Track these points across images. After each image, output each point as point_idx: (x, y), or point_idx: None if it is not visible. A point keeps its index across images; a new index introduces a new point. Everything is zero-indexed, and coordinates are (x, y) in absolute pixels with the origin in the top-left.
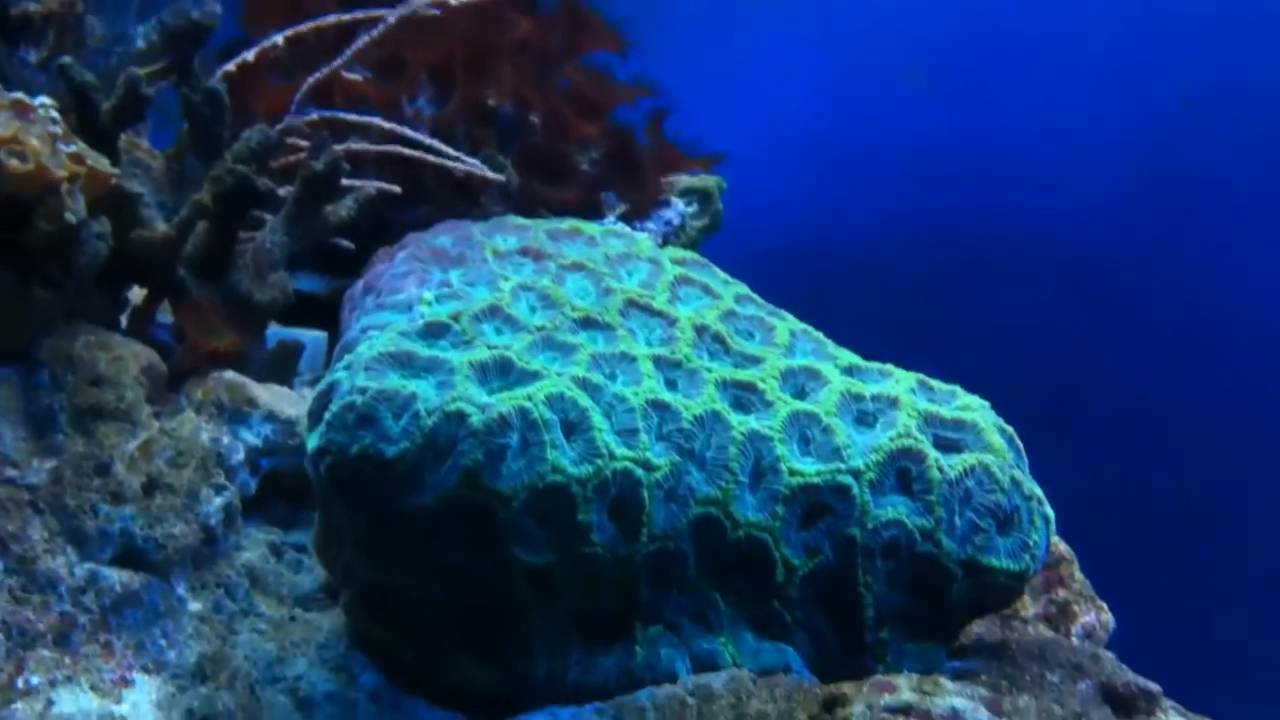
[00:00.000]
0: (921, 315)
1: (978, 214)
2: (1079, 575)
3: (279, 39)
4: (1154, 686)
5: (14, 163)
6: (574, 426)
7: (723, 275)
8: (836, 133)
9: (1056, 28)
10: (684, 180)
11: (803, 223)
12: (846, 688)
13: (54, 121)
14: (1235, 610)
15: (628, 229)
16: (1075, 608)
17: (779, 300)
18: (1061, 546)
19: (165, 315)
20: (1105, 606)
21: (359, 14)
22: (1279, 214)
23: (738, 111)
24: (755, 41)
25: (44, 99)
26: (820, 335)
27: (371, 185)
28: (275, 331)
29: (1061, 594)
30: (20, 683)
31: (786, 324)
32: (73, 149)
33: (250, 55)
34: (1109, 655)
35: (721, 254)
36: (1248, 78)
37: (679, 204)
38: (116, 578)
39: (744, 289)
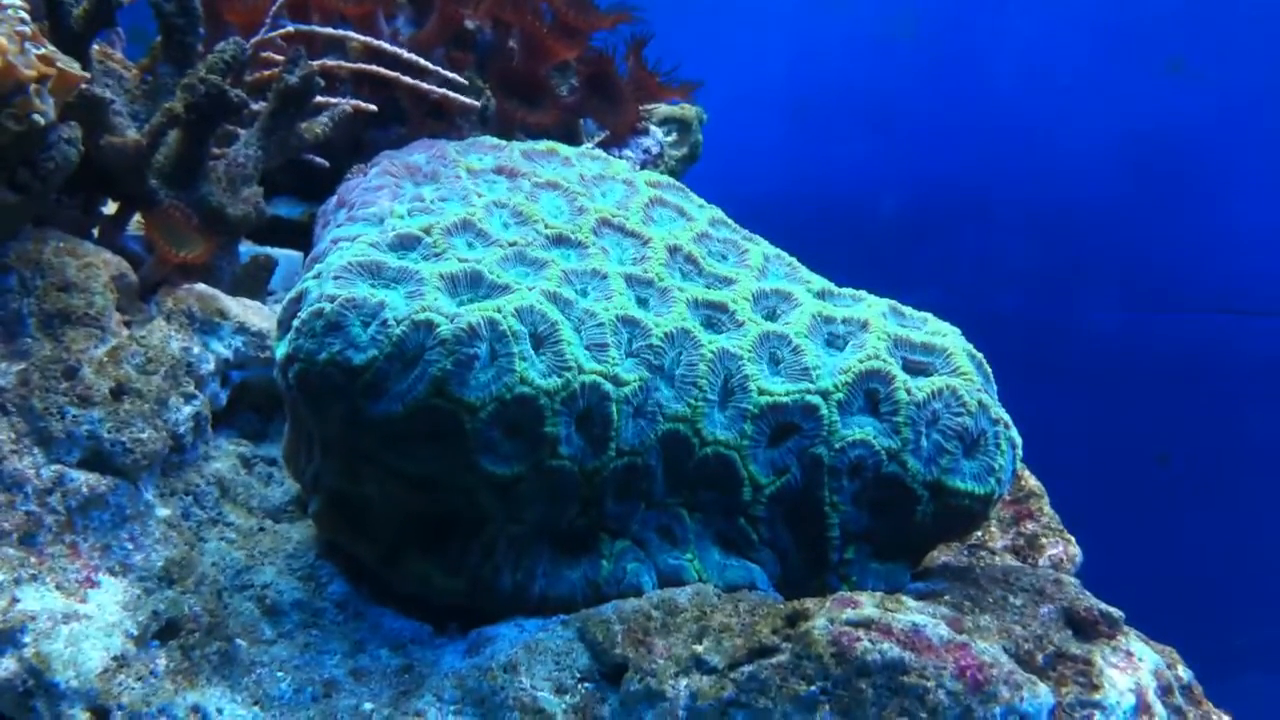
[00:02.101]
0: (898, 258)
1: (957, 162)
2: (1048, 509)
3: None
4: (1116, 611)
5: None
6: (543, 339)
7: (698, 199)
8: (818, 77)
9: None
10: (663, 109)
11: (782, 164)
12: (810, 603)
13: (23, 22)
14: (1202, 546)
15: (604, 152)
16: (1043, 540)
17: (753, 232)
18: (1031, 481)
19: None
20: (1073, 540)
21: None
22: (1256, 170)
23: (719, 46)
24: None
25: (14, 0)
26: (793, 260)
27: (347, 103)
28: (249, 249)
29: (1030, 527)
30: None
31: (760, 248)
32: (42, 50)
33: None
34: (1072, 581)
35: (699, 186)
36: (1234, 38)
37: (658, 133)
38: (83, 479)
39: (719, 213)
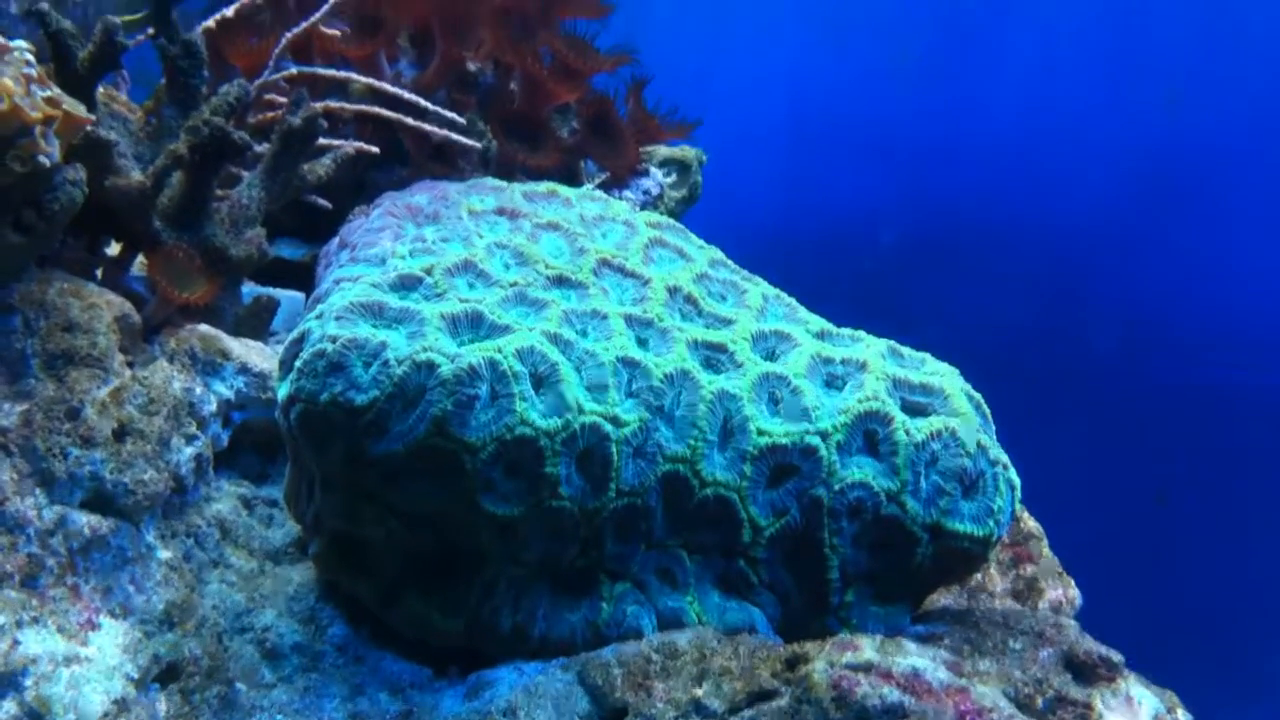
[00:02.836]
0: (897, 294)
1: (956, 198)
2: (1047, 552)
3: None
4: (1116, 655)
5: None
6: (543, 379)
7: (697, 240)
8: (818, 114)
9: (1042, 17)
10: (663, 151)
11: (781, 200)
12: (809, 646)
13: (29, 64)
14: (1203, 590)
15: (604, 194)
16: (1043, 583)
17: (753, 272)
18: (1031, 523)
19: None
20: (1072, 583)
21: None
22: (1257, 206)
23: (719, 90)
24: (739, 20)
25: (21, 43)
26: (792, 300)
27: (350, 145)
28: (252, 289)
29: (1029, 569)
30: None
31: (759, 288)
32: (48, 93)
33: (230, 11)
34: (1072, 624)
35: (699, 227)
36: (1232, 73)
37: (658, 174)
38: (85, 521)
39: (718, 253)
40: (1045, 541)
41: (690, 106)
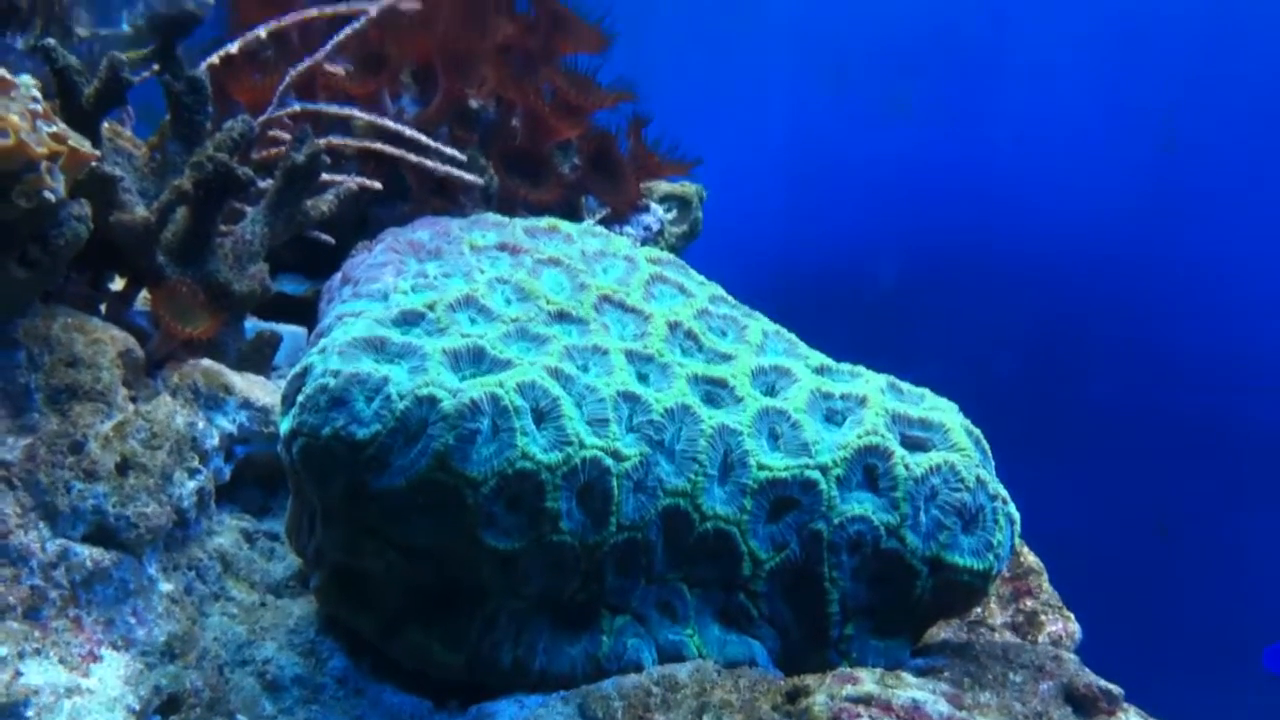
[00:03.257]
0: (896, 330)
1: (954, 235)
2: (1047, 586)
3: (262, 31)
4: (1115, 688)
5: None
6: (545, 414)
7: (698, 276)
8: (816, 152)
9: (1040, 60)
10: (664, 187)
11: (780, 235)
12: (810, 679)
13: (35, 100)
14: (1204, 621)
15: (605, 229)
16: (1043, 617)
17: (754, 308)
18: (1031, 558)
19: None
20: (1072, 617)
21: (341, 6)
22: (1250, 241)
23: (718, 126)
24: (737, 59)
25: (26, 78)
26: (792, 336)
27: (353, 181)
28: (254, 324)
29: (1029, 604)
30: None
31: (759, 324)
32: (54, 129)
33: (234, 47)
34: (1072, 658)
35: (699, 263)
36: (1227, 119)
37: (658, 210)
38: (88, 554)
39: (718, 289)
40: (1045, 576)
41: (690, 143)
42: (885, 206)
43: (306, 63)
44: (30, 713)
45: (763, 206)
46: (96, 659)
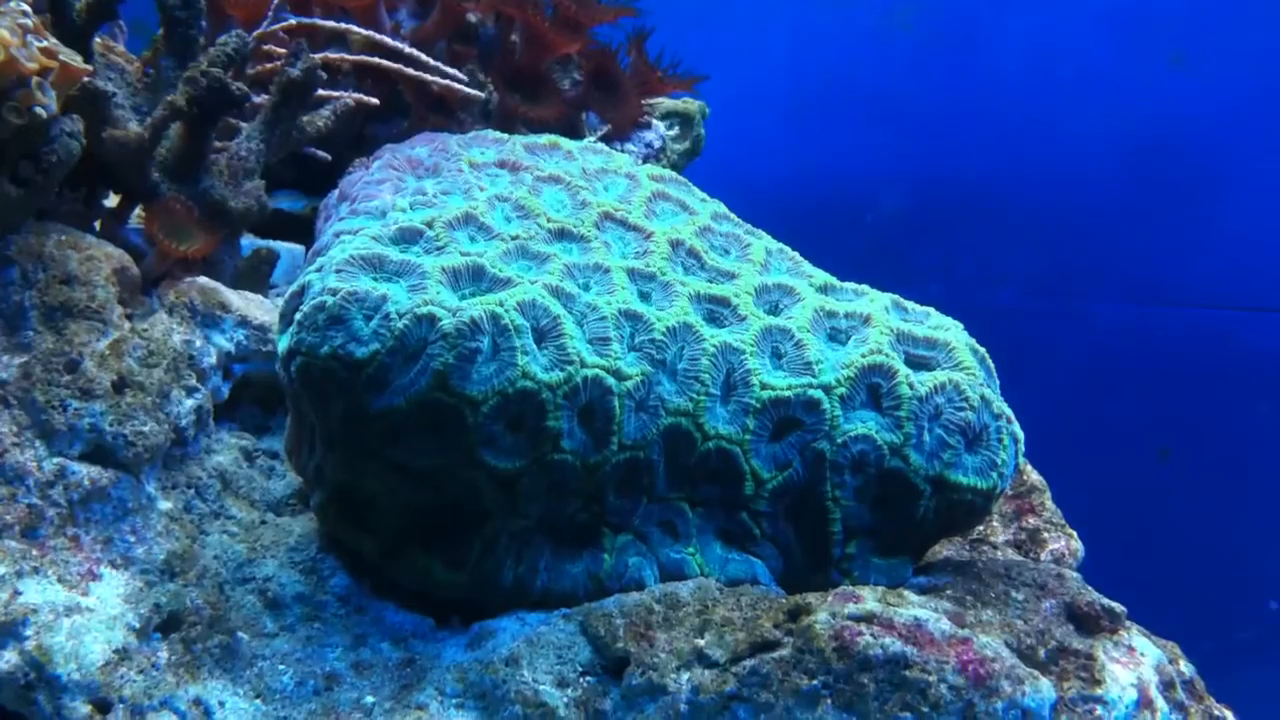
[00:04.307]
0: (900, 252)
1: (957, 157)
2: (1050, 504)
3: None
4: (1118, 606)
5: None
6: (545, 333)
7: (700, 193)
8: (819, 71)
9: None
10: (665, 104)
11: (784, 158)
12: (812, 598)
13: (25, 14)
14: (1203, 540)
15: (606, 146)
16: (1045, 535)
17: (756, 226)
18: (1033, 476)
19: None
20: (1075, 535)
21: None
22: (1258, 165)
23: (720, 42)
24: None
25: None
26: (796, 254)
27: (349, 96)
28: (251, 242)
29: (1031, 521)
30: None
31: (762, 242)
32: (44, 43)
33: None
34: (1074, 575)
35: (702, 182)
36: (1237, 32)
37: (660, 127)
38: (85, 473)
39: (721, 207)
40: (1048, 494)
41: (692, 59)
42: (888, 125)
43: None
44: (29, 631)
45: (765, 124)
46: (95, 577)
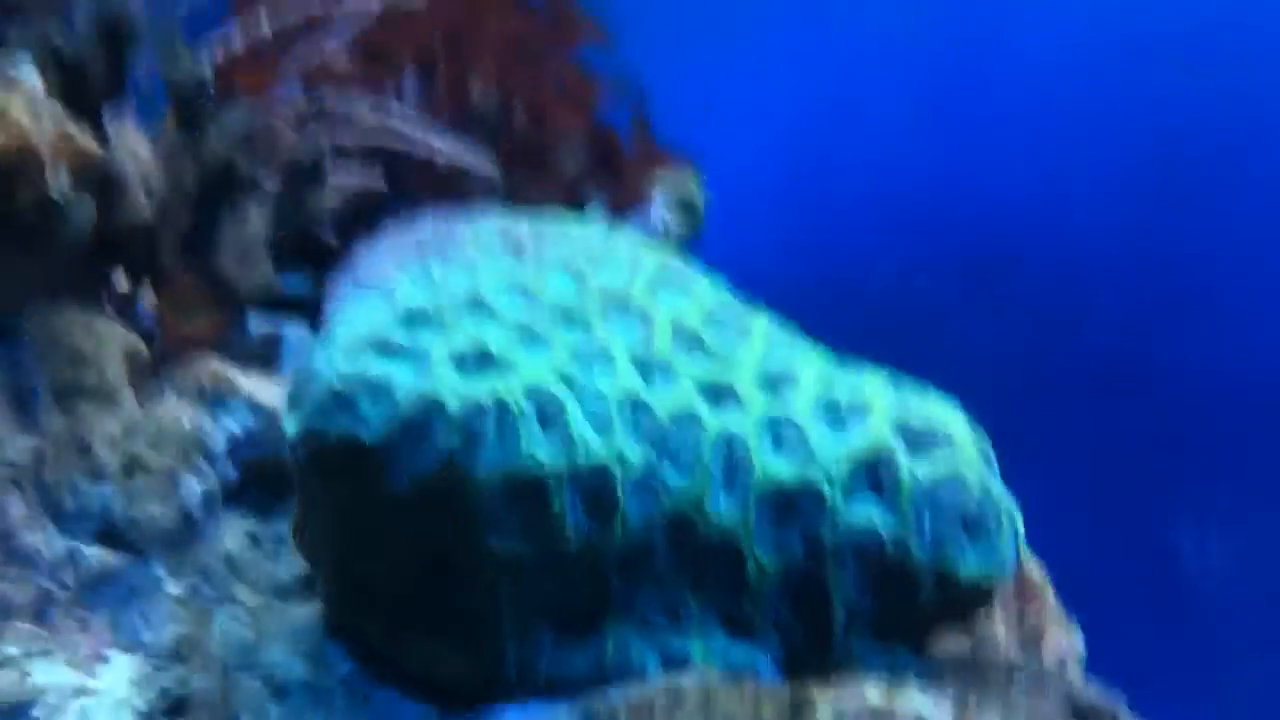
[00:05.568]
0: (899, 328)
1: (961, 247)
2: (1051, 599)
3: (266, 27)
4: (1118, 703)
5: (6, 139)
6: (550, 418)
7: (700, 274)
8: (819, 146)
9: (1049, 75)
10: (666, 181)
11: (783, 234)
12: (814, 690)
13: (39, 93)
14: (1207, 621)
15: (608, 224)
16: (1046, 630)
17: (756, 295)
18: (1035, 571)
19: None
20: (1076, 629)
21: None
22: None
23: (722, 123)
24: (740, 52)
25: (30, 69)
26: (797, 336)
27: (356, 179)
28: (260, 322)
29: (1033, 615)
30: None
31: (763, 324)
32: (58, 125)
33: (238, 44)
34: (1076, 672)
35: (703, 258)
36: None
37: (661, 205)
38: (95, 555)
39: (722, 288)
40: (1049, 588)
41: (692, 134)
42: (885, 208)
43: (310, 48)
44: (38, 712)
45: (764, 205)
46: (103, 660)
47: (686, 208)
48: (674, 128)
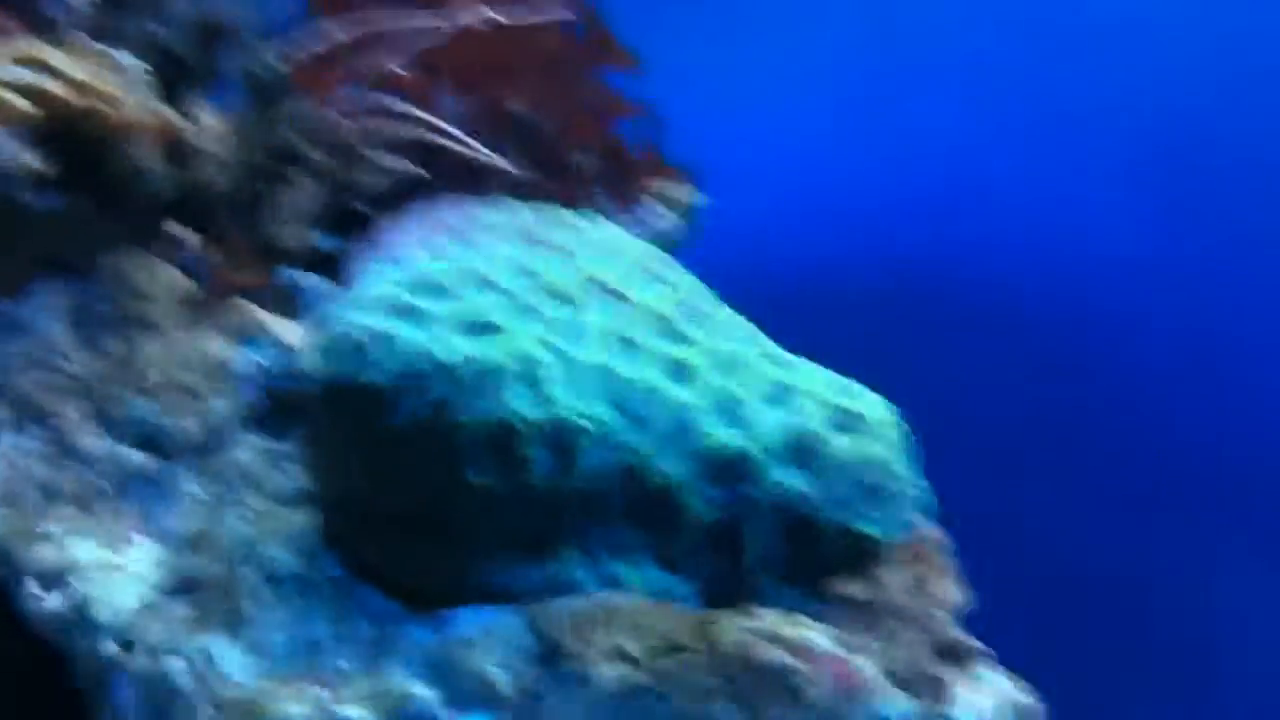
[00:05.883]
0: (867, 343)
1: (942, 267)
2: (944, 560)
3: (342, 35)
4: (978, 644)
5: (111, 113)
6: (530, 378)
7: (681, 269)
8: (810, 163)
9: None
10: (663, 186)
11: (765, 243)
12: (722, 614)
13: (142, 79)
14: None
15: (607, 221)
16: (935, 584)
17: (730, 302)
18: (935, 536)
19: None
20: (960, 583)
21: (417, 20)
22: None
23: (723, 135)
24: (749, 73)
25: (134, 61)
26: (754, 327)
27: (400, 164)
28: (292, 274)
29: (925, 572)
30: (41, 529)
31: (726, 315)
32: (154, 104)
33: (316, 48)
34: (949, 618)
35: (688, 260)
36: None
37: (657, 208)
38: (132, 458)
39: (697, 282)
40: (942, 547)
41: (691, 144)
42: (872, 224)
43: (373, 62)
44: (73, 579)
45: (753, 214)
46: (131, 543)
47: (679, 210)
48: (677, 134)
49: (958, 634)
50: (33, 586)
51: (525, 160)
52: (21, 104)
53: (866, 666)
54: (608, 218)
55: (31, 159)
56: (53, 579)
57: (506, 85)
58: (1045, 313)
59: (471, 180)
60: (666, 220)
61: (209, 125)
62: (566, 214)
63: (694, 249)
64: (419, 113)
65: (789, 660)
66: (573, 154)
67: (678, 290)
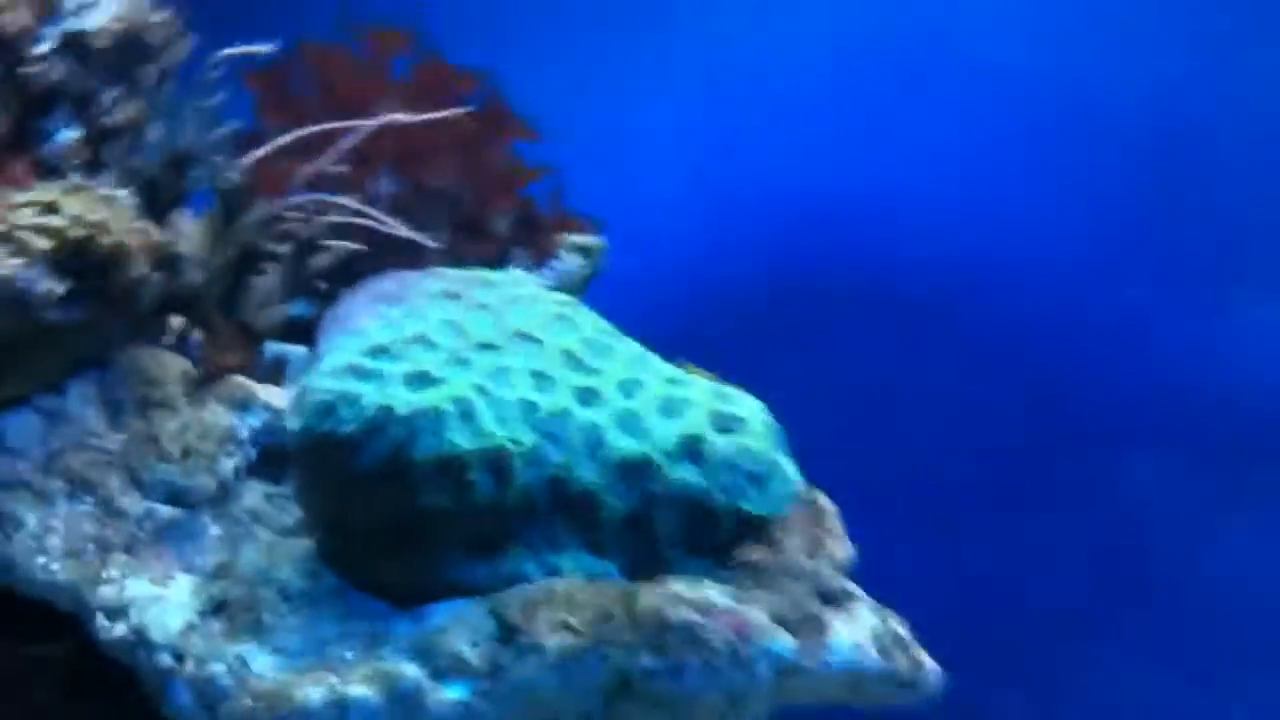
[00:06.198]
0: (765, 353)
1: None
2: (835, 521)
3: (288, 139)
4: (855, 588)
5: (106, 238)
6: (468, 416)
7: (588, 312)
8: (715, 194)
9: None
10: (572, 239)
11: (672, 279)
12: (641, 586)
13: (130, 207)
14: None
15: (526, 276)
16: (827, 543)
17: (634, 333)
18: (823, 500)
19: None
20: (849, 543)
21: (350, 123)
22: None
23: (620, 172)
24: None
25: (122, 192)
26: (652, 354)
27: (343, 246)
28: (274, 347)
29: (818, 535)
30: (104, 574)
31: (628, 347)
32: (140, 225)
33: (263, 152)
34: (835, 572)
35: (595, 301)
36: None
37: (567, 258)
38: (164, 511)
39: (602, 321)
40: (833, 513)
41: (595, 191)
42: (784, 240)
43: (315, 166)
44: (133, 611)
45: (654, 256)
46: (171, 579)
47: (587, 258)
48: (581, 197)
49: (841, 583)
50: (101, 620)
51: (450, 228)
52: (38, 241)
53: (756, 614)
54: (526, 270)
55: (51, 285)
56: (115, 612)
57: (428, 167)
58: (980, 317)
59: (408, 251)
60: (576, 265)
61: (187, 232)
62: (488, 274)
63: (594, 286)
64: (352, 203)
65: (693, 616)
66: (491, 219)
67: (582, 330)
